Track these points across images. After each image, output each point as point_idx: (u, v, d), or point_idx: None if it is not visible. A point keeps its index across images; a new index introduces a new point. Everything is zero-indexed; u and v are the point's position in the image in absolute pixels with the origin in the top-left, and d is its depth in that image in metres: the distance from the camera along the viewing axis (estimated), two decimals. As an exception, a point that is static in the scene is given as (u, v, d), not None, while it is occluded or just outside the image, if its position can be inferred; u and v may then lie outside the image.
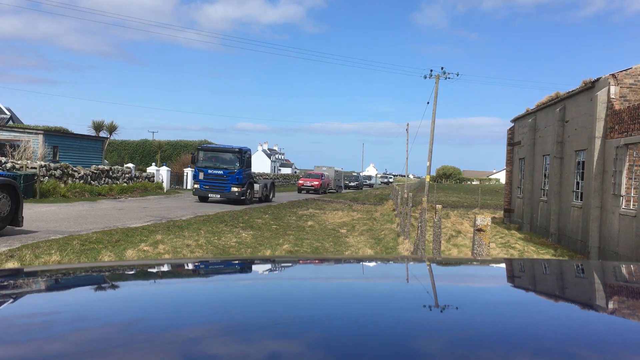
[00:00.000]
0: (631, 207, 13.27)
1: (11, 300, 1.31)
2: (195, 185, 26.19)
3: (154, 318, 1.12)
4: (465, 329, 1.06)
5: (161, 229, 14.28)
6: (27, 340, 0.95)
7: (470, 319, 1.15)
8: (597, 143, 14.76)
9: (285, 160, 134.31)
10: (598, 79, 15.31)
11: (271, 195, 30.74)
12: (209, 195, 25.95)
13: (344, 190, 58.61)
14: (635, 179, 13.41)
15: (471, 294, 1.51)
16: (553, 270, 2.04)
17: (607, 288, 1.71)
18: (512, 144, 26.14)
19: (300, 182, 47.55)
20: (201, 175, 25.90)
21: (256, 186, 28.15)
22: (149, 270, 1.89)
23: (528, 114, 23.24)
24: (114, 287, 1.55)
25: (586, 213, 15.63)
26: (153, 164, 39.45)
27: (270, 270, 1.98)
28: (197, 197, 26.89)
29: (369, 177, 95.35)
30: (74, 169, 26.24)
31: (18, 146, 29.26)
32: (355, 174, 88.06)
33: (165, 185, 33.57)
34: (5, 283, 1.47)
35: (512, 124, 26.35)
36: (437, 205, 9.52)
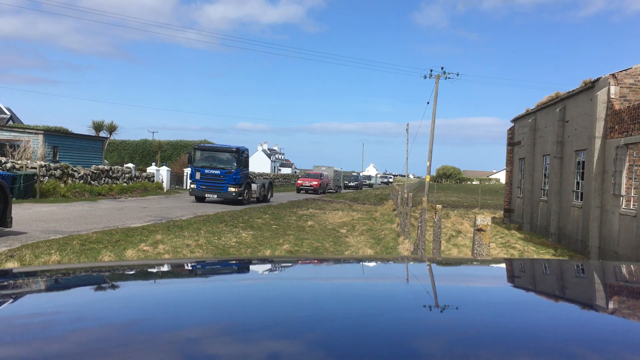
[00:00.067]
0: (631, 207, 13.27)
1: (11, 300, 1.31)
2: (192, 185, 25.84)
3: (154, 318, 1.12)
4: (465, 329, 1.06)
5: (161, 229, 14.28)
6: (27, 340, 0.95)
7: (470, 319, 1.15)
8: (597, 143, 14.76)
9: (285, 160, 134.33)
10: (598, 79, 15.31)
11: (269, 195, 30.43)
12: (206, 195, 25.65)
13: (343, 191, 58.52)
14: (635, 179, 13.41)
15: (471, 294, 1.51)
16: (553, 270, 2.04)
17: (607, 288, 1.71)
18: (512, 144, 26.14)
19: (299, 182, 47.14)
20: (198, 175, 25.57)
21: (254, 186, 27.82)
22: (149, 270, 1.89)
23: (528, 114, 23.24)
24: (114, 287, 1.55)
25: (586, 213, 15.63)
26: (153, 164, 39.46)
27: (270, 270, 1.98)
28: (194, 197, 26.63)
29: (369, 177, 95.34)
30: (74, 169, 26.25)
31: (18, 146, 29.27)
32: (355, 174, 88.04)
33: (165, 185, 33.57)
34: (5, 283, 1.47)
35: (512, 124, 26.35)
36: (437, 205, 9.52)
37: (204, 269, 2.06)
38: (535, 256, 14.56)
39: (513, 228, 22.58)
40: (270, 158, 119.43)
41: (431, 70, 35.63)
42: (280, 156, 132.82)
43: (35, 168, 22.65)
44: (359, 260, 2.64)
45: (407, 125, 64.29)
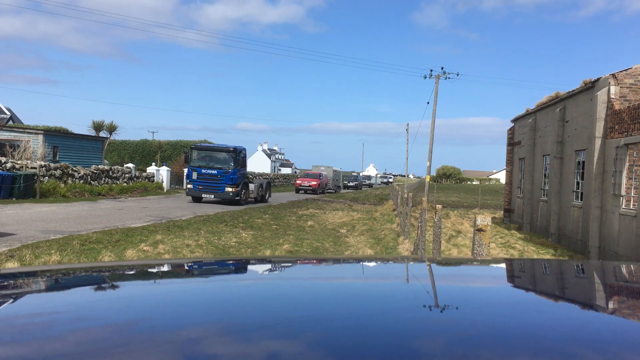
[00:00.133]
0: (631, 207, 13.27)
1: (11, 300, 1.31)
2: (189, 186, 25.43)
3: (154, 318, 1.12)
4: (465, 329, 1.06)
5: (161, 229, 14.28)
6: (27, 340, 0.95)
7: (470, 319, 1.15)
8: (597, 143, 14.76)
9: (285, 160, 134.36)
10: (598, 79, 15.31)
11: (267, 195, 30.05)
12: (203, 195, 25.28)
13: (342, 191, 58.46)
14: (635, 179, 13.41)
15: (471, 294, 1.51)
16: (553, 270, 2.05)
17: (607, 288, 1.71)
18: (512, 144, 26.15)
19: (298, 182, 46.53)
20: (194, 175, 25.16)
21: (251, 186, 27.40)
22: (149, 270, 1.89)
23: (528, 114, 23.24)
24: (114, 287, 1.55)
25: (586, 213, 15.63)
26: (153, 164, 39.43)
27: (270, 270, 1.98)
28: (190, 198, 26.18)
29: (368, 177, 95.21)
30: (74, 169, 26.25)
31: (18, 146, 29.27)
32: (355, 174, 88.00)
33: (165, 185, 33.57)
34: (5, 283, 1.47)
35: (512, 124, 26.35)
36: (437, 205, 9.52)
37: (204, 269, 2.06)
38: (535, 256, 14.56)
39: (513, 228, 22.58)
40: (270, 158, 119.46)
41: (431, 70, 35.66)
42: (280, 156, 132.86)
43: (35, 168, 22.65)
44: (359, 260, 2.64)
45: (407, 125, 64.30)
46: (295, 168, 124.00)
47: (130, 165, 33.13)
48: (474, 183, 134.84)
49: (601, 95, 14.71)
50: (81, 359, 0.84)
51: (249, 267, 2.11)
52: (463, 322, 1.12)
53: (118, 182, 29.43)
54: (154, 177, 33.42)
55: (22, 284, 1.50)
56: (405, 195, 15.87)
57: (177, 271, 1.91)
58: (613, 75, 14.65)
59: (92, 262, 8.63)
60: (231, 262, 2.47)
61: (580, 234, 16.23)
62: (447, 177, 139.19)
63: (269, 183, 31.26)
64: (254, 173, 51.91)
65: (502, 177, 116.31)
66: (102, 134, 43.16)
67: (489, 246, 5.38)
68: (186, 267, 2.06)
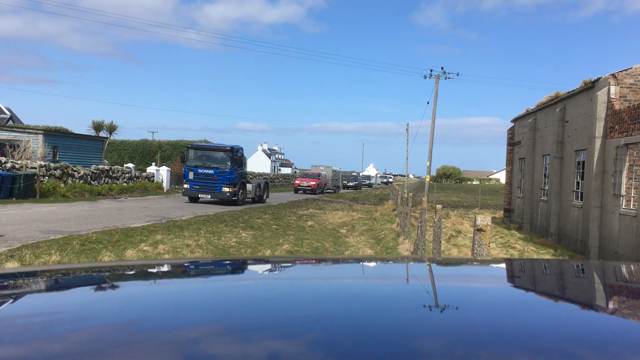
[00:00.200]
0: (631, 207, 13.27)
1: (11, 300, 1.31)
2: (185, 185, 25.07)
3: (154, 318, 1.12)
4: (465, 329, 1.06)
5: (161, 229, 14.28)
6: (27, 340, 0.95)
7: (470, 319, 1.15)
8: (597, 143, 14.76)
9: (285, 160, 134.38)
10: (598, 79, 15.31)
11: (265, 195, 29.56)
12: (199, 195, 24.89)
13: (342, 191, 58.39)
14: (635, 179, 13.41)
15: (471, 294, 1.51)
16: (553, 270, 2.05)
17: (607, 288, 1.71)
18: (512, 144, 26.15)
19: (297, 182, 46.13)
20: (191, 175, 24.80)
21: (249, 186, 26.97)
22: (149, 270, 1.89)
23: (528, 114, 23.24)
24: (114, 287, 1.55)
25: (586, 213, 15.63)
26: (153, 164, 39.43)
27: (270, 270, 1.98)
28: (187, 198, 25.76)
29: (368, 177, 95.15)
30: (74, 168, 26.25)
31: (18, 146, 29.27)
32: (355, 173, 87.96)
33: (165, 185, 33.57)
34: (5, 283, 1.47)
35: (512, 124, 26.36)
36: (437, 205, 9.52)
37: (203, 269, 2.06)
38: (535, 256, 14.56)
39: (513, 228, 22.59)
40: (270, 158, 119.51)
41: (431, 70, 35.67)
42: (280, 156, 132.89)
43: (35, 168, 22.65)
44: (359, 260, 2.64)
45: (407, 125, 64.31)
46: (295, 168, 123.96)
47: (130, 165, 33.13)
48: (474, 183, 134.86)
49: (601, 95, 14.72)
50: (81, 359, 0.84)
51: (249, 267, 2.11)
52: (463, 322, 1.12)
53: (118, 182, 29.43)
54: (154, 177, 33.42)
55: (22, 284, 1.50)
56: (405, 195, 15.88)
57: (177, 271, 1.91)
58: (613, 75, 14.65)
59: (92, 262, 8.63)
60: (231, 262, 2.47)
61: (580, 234, 16.24)
62: (447, 177, 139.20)
63: (267, 183, 30.83)
64: (254, 173, 51.89)
65: (502, 177, 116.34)
66: (102, 134, 43.17)
67: (489, 246, 5.38)
68: (186, 267, 2.06)
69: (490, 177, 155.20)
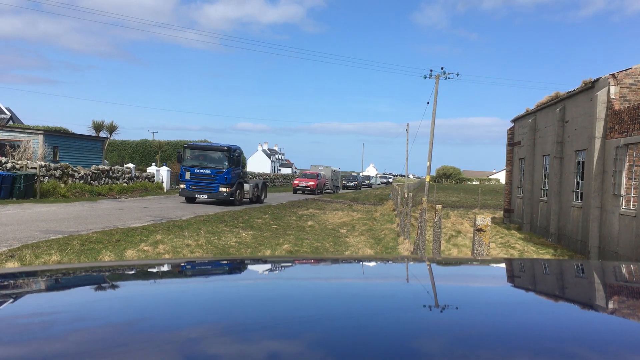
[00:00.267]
0: (631, 207, 13.27)
1: (11, 300, 1.31)
2: (182, 186, 24.82)
3: (154, 318, 1.12)
4: (465, 329, 1.06)
5: (161, 229, 14.29)
6: (27, 340, 0.95)
7: (470, 319, 1.15)
8: (597, 143, 14.76)
9: (285, 160, 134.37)
10: (598, 79, 15.31)
11: (263, 196, 29.18)
12: (196, 195, 24.66)
13: (341, 191, 58.31)
14: (635, 179, 13.41)
15: (471, 294, 1.51)
16: (553, 270, 2.05)
17: (607, 288, 1.71)
18: (512, 144, 26.15)
19: (296, 182, 45.85)
20: (187, 175, 24.56)
21: (246, 186, 26.75)
22: (149, 270, 1.89)
23: (528, 114, 23.24)
24: (114, 287, 1.55)
25: (586, 213, 15.63)
26: (153, 164, 39.43)
27: (270, 270, 1.98)
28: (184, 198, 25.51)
29: (368, 177, 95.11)
30: (74, 169, 26.25)
31: (18, 146, 29.26)
32: (355, 174, 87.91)
33: (165, 185, 33.57)
34: (5, 283, 1.47)
35: (512, 124, 26.36)
36: (437, 205, 9.52)
37: (203, 269, 2.06)
38: (535, 256, 14.56)
39: (513, 228, 22.59)
40: (270, 158, 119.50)
41: (431, 71, 35.67)
42: (280, 156, 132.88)
43: (35, 168, 22.65)
44: (359, 260, 2.64)
45: (407, 125, 64.34)
46: (295, 168, 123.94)
47: (130, 165, 33.13)
48: (473, 183, 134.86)
49: (601, 95, 14.72)
50: (81, 359, 0.84)
51: (249, 267, 2.11)
52: (463, 322, 1.12)
53: (118, 182, 29.42)
54: (154, 177, 33.42)
55: (22, 284, 1.50)
56: (405, 195, 15.88)
57: (177, 271, 1.91)
58: (613, 75, 14.65)
59: (92, 262, 8.63)
60: (231, 262, 2.47)
61: (580, 234, 16.24)
62: (447, 177, 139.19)
63: (265, 183, 30.53)
64: (254, 173, 51.88)
65: (502, 177, 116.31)
66: (102, 134, 43.16)
67: (488, 246, 5.38)
68: (186, 267, 2.06)
69: (490, 177, 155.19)
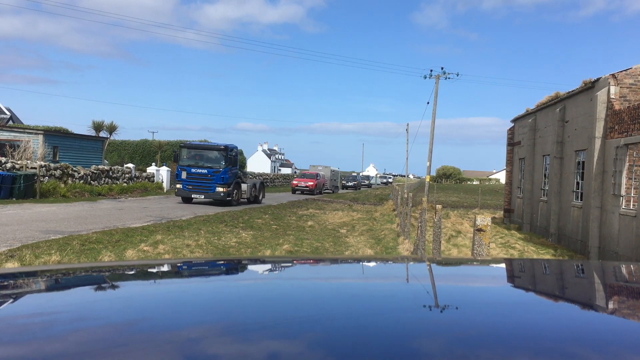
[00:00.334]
0: (631, 207, 13.27)
1: (11, 300, 1.31)
2: (178, 185, 24.56)
3: (154, 318, 1.12)
4: (465, 329, 1.06)
5: (161, 229, 14.28)
6: (27, 340, 0.95)
7: (470, 319, 1.15)
8: (597, 143, 14.76)
9: (285, 160, 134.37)
10: (598, 79, 15.31)
11: (260, 196, 28.90)
12: (193, 195, 24.33)
13: (341, 191, 58.23)
14: (635, 179, 13.41)
15: (471, 294, 1.51)
16: (553, 270, 2.05)
17: (607, 288, 1.71)
18: (512, 144, 26.15)
19: (294, 182, 45.61)
20: (184, 175, 24.28)
21: (244, 186, 26.38)
22: (149, 270, 1.89)
23: (528, 114, 23.24)
24: (114, 287, 1.55)
25: (586, 213, 15.63)
26: (153, 164, 39.43)
27: (270, 270, 1.98)
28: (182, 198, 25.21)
29: (368, 177, 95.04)
30: (74, 169, 26.25)
31: (18, 146, 29.27)
32: (355, 174, 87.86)
33: (165, 185, 33.56)
34: (5, 283, 1.47)
35: (512, 124, 26.36)
36: (437, 205, 9.52)
37: (203, 269, 2.06)
38: (535, 256, 14.56)
39: (513, 228, 22.59)
40: (270, 158, 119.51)
41: (431, 71, 35.68)
42: (280, 156, 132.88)
43: (35, 168, 22.65)
44: (359, 260, 2.64)
45: (407, 125, 64.36)
46: (295, 168, 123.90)
47: (130, 165, 33.13)
48: (473, 183, 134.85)
49: (601, 95, 14.72)
50: (81, 359, 0.84)
51: (249, 267, 2.11)
52: (463, 322, 1.12)
53: (118, 182, 29.42)
54: (154, 177, 33.42)
55: (22, 284, 1.50)
56: (405, 196, 15.88)
57: (177, 271, 1.91)
58: (613, 75, 14.65)
59: (92, 262, 8.63)
60: (231, 262, 2.47)
61: (580, 234, 16.24)
62: (447, 177, 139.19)
63: (263, 183, 30.15)
64: (254, 173, 51.84)
65: (502, 177, 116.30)
66: (102, 134, 43.13)
67: (488, 246, 5.38)
68: (186, 267, 2.06)
69: (490, 177, 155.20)
